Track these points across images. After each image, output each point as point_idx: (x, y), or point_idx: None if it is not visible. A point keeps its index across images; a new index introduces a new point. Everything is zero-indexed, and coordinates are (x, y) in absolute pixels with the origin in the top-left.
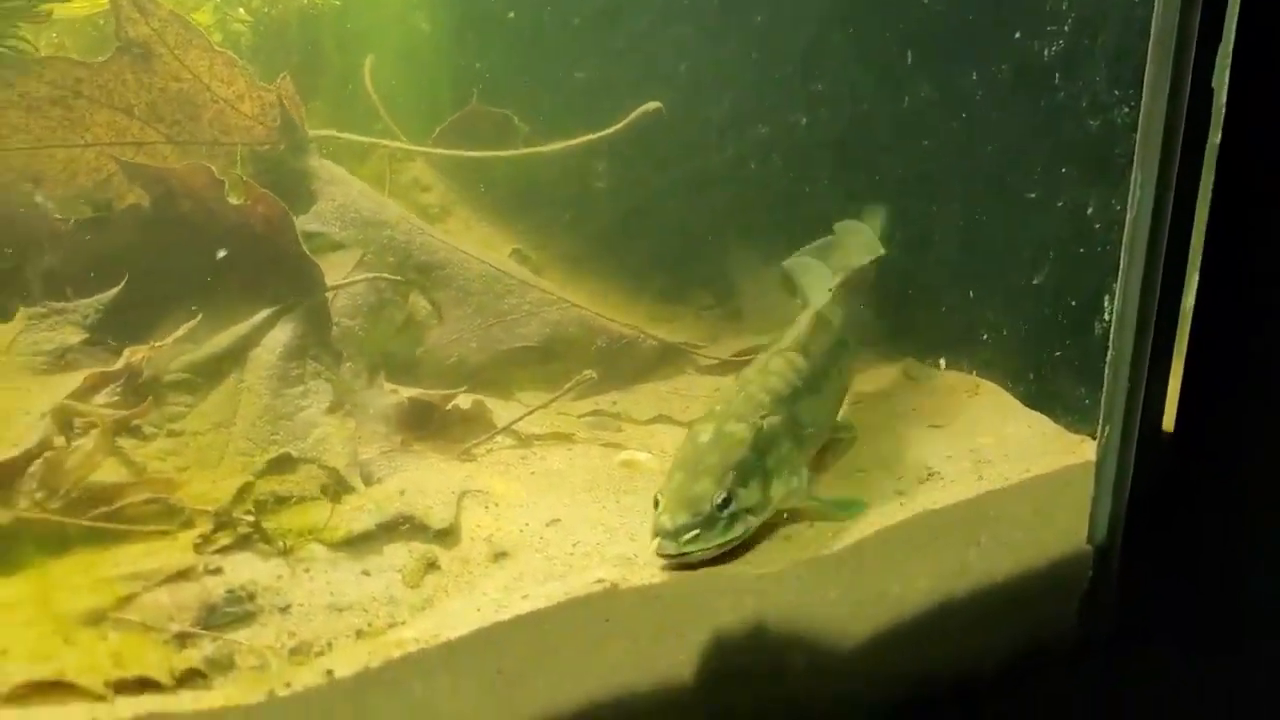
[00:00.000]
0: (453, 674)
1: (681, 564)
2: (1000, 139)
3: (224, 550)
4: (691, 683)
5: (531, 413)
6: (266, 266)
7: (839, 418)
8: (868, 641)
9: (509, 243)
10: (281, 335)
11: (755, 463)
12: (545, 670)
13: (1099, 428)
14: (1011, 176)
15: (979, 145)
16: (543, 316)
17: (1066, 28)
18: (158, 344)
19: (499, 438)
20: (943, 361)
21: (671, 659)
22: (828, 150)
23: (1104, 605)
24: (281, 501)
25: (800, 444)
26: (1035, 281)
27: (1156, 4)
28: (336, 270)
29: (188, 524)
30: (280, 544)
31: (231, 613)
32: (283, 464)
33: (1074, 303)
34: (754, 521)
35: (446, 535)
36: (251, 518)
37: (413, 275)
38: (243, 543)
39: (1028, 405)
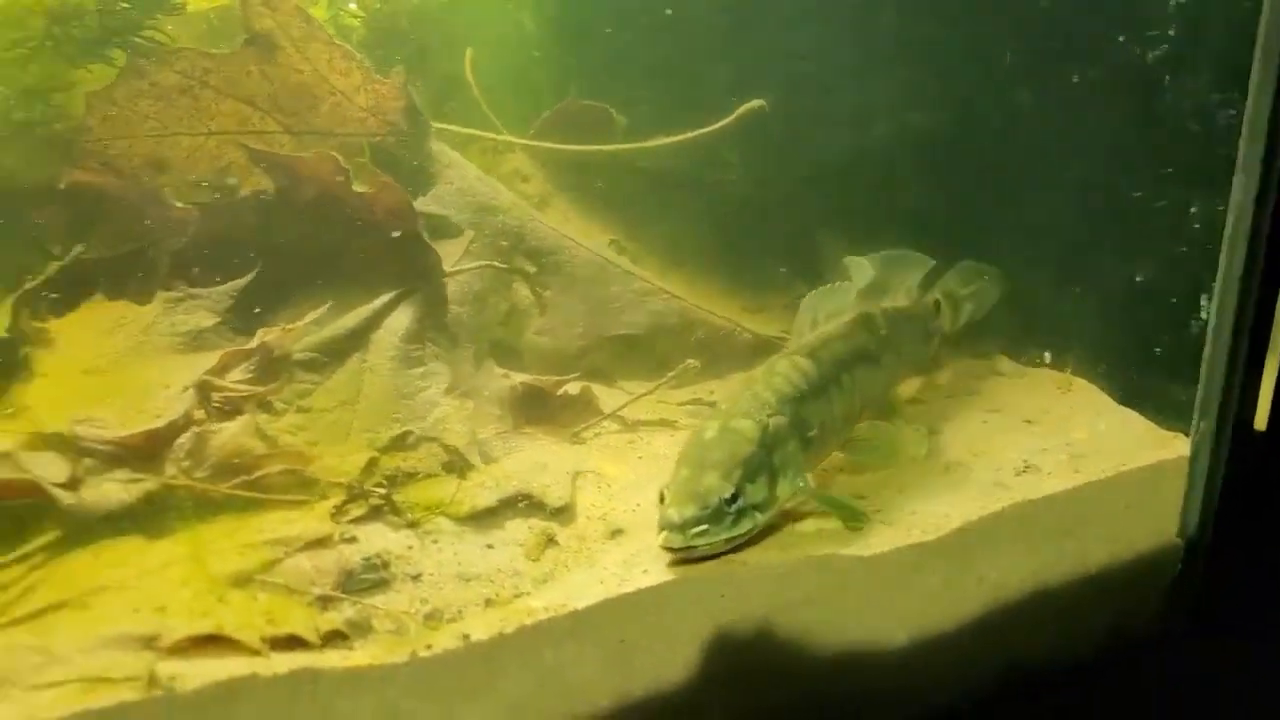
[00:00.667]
0: (579, 642)
1: (687, 558)
2: (1105, 139)
3: (356, 520)
4: (803, 656)
5: (636, 399)
6: (388, 252)
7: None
8: (966, 625)
9: (606, 233)
10: (402, 318)
11: (762, 459)
12: (665, 641)
13: (1193, 424)
14: (1115, 176)
15: (1082, 144)
16: (645, 306)
17: (1171, 31)
18: (290, 326)
19: (605, 422)
20: (1047, 355)
21: (784, 634)
22: (932, 147)
23: (1192, 597)
24: (408, 476)
25: (805, 445)
26: (1135, 280)
27: (1265, 6)
28: (446, 257)
29: (322, 495)
30: (409, 516)
31: (367, 579)
32: (405, 441)
33: (1172, 301)
34: (760, 519)
35: (563, 513)
36: (383, 490)
37: (523, 260)
38: (373, 514)
39: (1121, 403)
